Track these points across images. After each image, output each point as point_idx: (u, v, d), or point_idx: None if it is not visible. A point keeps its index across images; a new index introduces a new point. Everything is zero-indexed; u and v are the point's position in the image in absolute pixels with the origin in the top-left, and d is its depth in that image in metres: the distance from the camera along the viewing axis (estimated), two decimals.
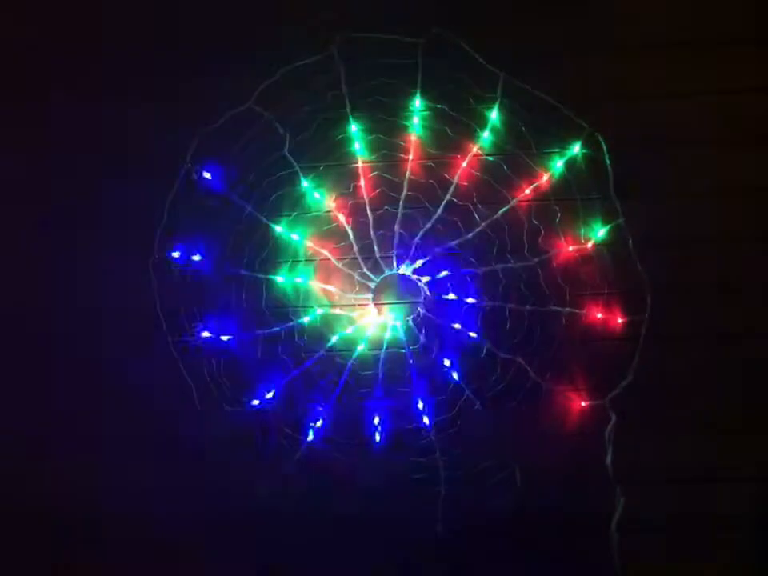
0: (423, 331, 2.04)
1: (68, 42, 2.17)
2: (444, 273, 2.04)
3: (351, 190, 2.06)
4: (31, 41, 2.18)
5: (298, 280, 2.05)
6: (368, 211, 2.05)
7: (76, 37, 2.17)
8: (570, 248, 2.01)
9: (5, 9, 2.18)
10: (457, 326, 2.02)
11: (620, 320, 1.98)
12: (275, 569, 2.02)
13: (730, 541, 1.96)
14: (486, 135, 2.04)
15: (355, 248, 2.05)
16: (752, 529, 1.95)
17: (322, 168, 2.07)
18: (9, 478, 2.10)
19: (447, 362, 2.01)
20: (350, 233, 2.05)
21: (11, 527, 2.08)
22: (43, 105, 2.16)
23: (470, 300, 2.02)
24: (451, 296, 2.03)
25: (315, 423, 2.02)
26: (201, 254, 2.06)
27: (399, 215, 2.05)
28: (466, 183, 2.04)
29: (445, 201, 2.04)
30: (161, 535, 2.04)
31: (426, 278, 2.05)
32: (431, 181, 2.04)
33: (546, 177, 2.02)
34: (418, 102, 2.05)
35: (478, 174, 2.04)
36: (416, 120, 2.05)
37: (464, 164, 2.04)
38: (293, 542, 2.01)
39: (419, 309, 2.05)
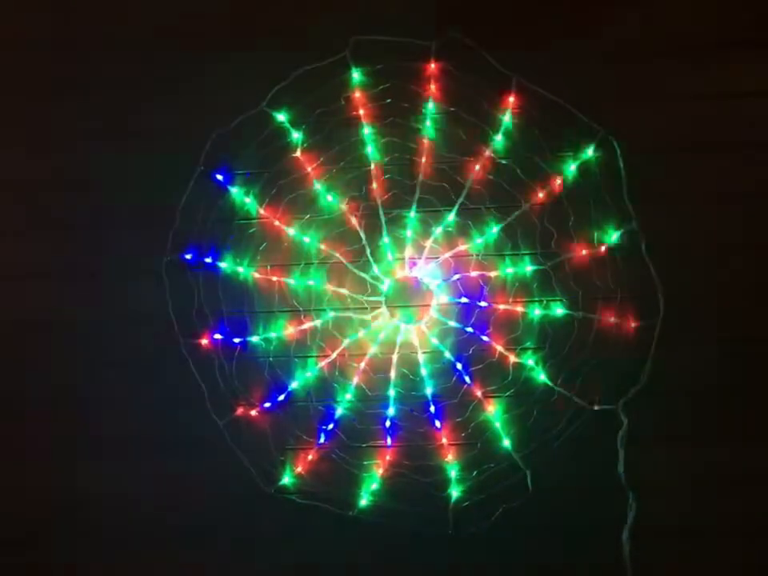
0: (435, 334, 2.04)
1: (74, 40, 2.17)
2: (456, 276, 2.03)
3: (364, 193, 2.06)
4: (35, 40, 2.19)
5: (311, 282, 2.05)
6: (380, 214, 2.05)
7: (83, 35, 2.17)
8: (583, 252, 2.00)
9: (5, 6, 2.18)
10: (468, 329, 2.02)
11: (633, 324, 1.98)
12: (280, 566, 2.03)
13: (741, 547, 1.95)
14: (498, 138, 2.03)
15: (368, 251, 2.05)
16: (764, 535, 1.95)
17: (334, 171, 2.07)
18: (11, 477, 2.11)
19: (459, 366, 2.01)
20: (363, 235, 2.05)
21: (10, 526, 2.10)
22: (49, 103, 2.16)
23: (482, 303, 2.02)
24: (463, 299, 2.03)
25: (326, 426, 2.02)
26: (213, 256, 2.07)
27: (412, 218, 2.05)
28: (478, 186, 2.04)
29: (457, 204, 2.04)
30: (165, 535, 2.05)
31: (438, 281, 2.05)
32: (444, 184, 2.04)
33: (559, 180, 2.02)
34: (430, 105, 2.05)
35: (491, 177, 2.03)
36: (429, 123, 2.05)
37: (477, 167, 2.03)
38: (301, 544, 2.02)
39: (431, 312, 2.04)
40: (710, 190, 2.02)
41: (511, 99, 2.03)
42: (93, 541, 2.07)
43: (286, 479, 2.02)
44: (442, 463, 2.00)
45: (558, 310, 2.00)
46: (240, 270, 2.06)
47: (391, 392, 2.02)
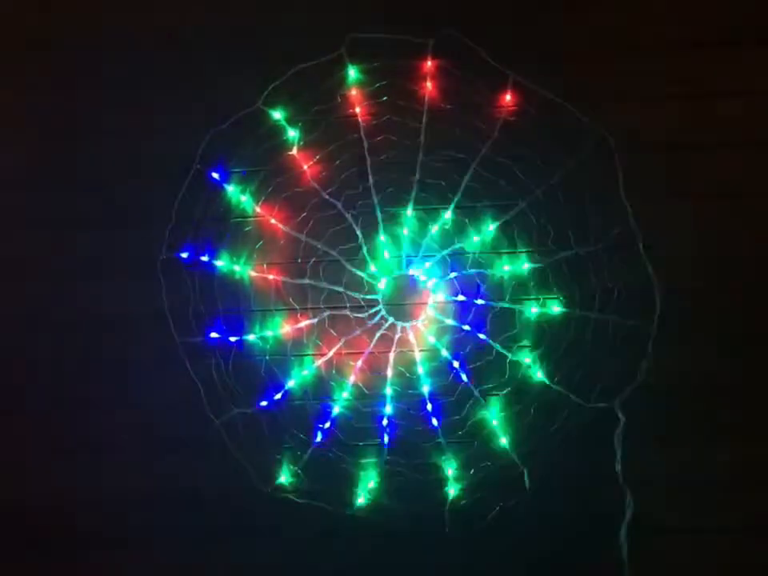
0: (432, 332, 2.03)
1: (73, 39, 2.16)
2: (453, 274, 2.03)
3: (360, 191, 2.05)
4: (35, 39, 2.18)
5: (307, 281, 2.05)
6: (377, 212, 2.05)
7: (81, 35, 2.17)
8: (580, 250, 2.00)
9: (5, 6, 2.18)
10: (466, 327, 2.02)
11: (630, 322, 1.97)
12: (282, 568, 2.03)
13: (740, 546, 1.95)
14: (495, 136, 2.03)
15: (364, 249, 2.05)
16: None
17: (331, 168, 2.06)
18: (10, 478, 2.10)
19: (456, 364, 2.01)
20: (359, 233, 2.05)
21: (10, 527, 2.09)
22: (47, 102, 2.16)
23: (479, 301, 2.02)
24: (460, 297, 2.03)
25: (323, 425, 2.02)
26: (209, 255, 2.06)
27: (408, 216, 2.05)
28: (475, 184, 2.03)
29: (454, 202, 2.03)
30: (163, 536, 2.05)
31: (434, 279, 2.04)
32: (441, 182, 2.03)
33: (556, 178, 2.01)
34: (426, 102, 2.04)
35: (488, 175, 2.03)
36: (425, 120, 2.04)
37: (473, 165, 2.03)
38: (299, 543, 2.01)
39: (428, 310, 2.04)
40: (707, 189, 2.02)
41: (508, 97, 2.03)
42: (92, 540, 2.07)
43: (283, 478, 2.02)
44: (439, 461, 1.99)
45: (555, 308, 1.99)
46: (236, 268, 2.06)
47: (388, 390, 2.02)
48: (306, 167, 2.06)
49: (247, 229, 2.07)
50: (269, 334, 2.04)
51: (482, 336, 2.01)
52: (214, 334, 2.04)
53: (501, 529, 1.95)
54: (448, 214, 2.04)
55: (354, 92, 2.06)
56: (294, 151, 2.06)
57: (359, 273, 2.05)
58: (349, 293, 2.05)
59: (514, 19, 2.08)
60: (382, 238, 2.05)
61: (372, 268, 2.05)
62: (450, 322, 2.03)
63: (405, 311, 2.05)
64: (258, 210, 2.06)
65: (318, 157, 2.06)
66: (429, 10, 2.09)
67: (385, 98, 2.05)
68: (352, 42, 2.05)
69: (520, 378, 1.99)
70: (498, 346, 2.00)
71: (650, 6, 2.07)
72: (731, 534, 1.95)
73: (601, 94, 2.04)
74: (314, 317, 2.05)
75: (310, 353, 2.05)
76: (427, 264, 2.05)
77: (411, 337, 2.04)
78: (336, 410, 2.02)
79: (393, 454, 2.01)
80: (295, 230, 2.06)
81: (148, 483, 2.06)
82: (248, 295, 2.06)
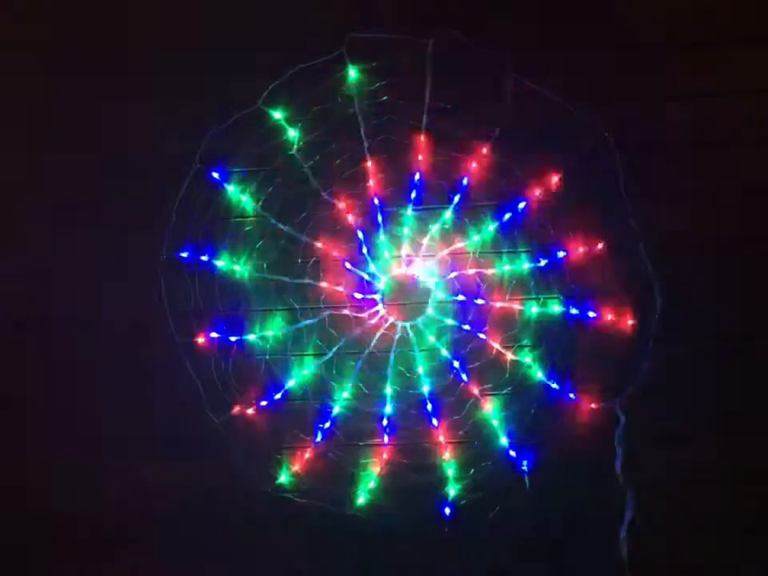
0: (432, 332, 2.03)
1: (72, 40, 2.16)
2: (453, 273, 2.03)
3: (360, 191, 2.05)
4: (34, 39, 2.18)
5: (307, 280, 2.05)
6: (377, 211, 2.04)
7: (80, 35, 2.16)
8: (580, 249, 2.00)
9: (5, 8, 2.18)
10: (465, 326, 2.01)
11: (630, 322, 1.97)
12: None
13: (740, 546, 1.95)
14: (496, 135, 2.03)
15: (364, 248, 2.05)
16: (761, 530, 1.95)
17: (331, 168, 2.06)
18: (11, 478, 2.10)
19: (456, 364, 2.01)
20: (359, 233, 2.04)
21: (10, 527, 2.09)
22: (45, 103, 2.16)
23: (479, 301, 2.02)
24: (460, 297, 2.03)
25: (323, 424, 2.02)
26: (209, 255, 2.06)
27: (408, 215, 2.05)
28: (475, 184, 2.03)
29: (454, 201, 2.03)
30: (163, 535, 2.05)
31: (434, 279, 2.04)
32: (441, 181, 2.03)
33: (556, 178, 2.01)
34: (426, 102, 2.04)
35: (488, 174, 2.03)
36: (425, 120, 2.04)
37: (474, 165, 2.03)
38: (299, 543, 2.01)
39: (428, 309, 2.04)
40: (708, 188, 2.02)
41: (508, 97, 2.03)
42: (92, 540, 2.07)
43: (284, 478, 2.02)
44: (439, 461, 1.99)
45: (555, 308, 1.99)
46: (236, 268, 2.06)
47: (388, 390, 2.02)
48: (305, 167, 2.06)
49: (247, 228, 2.07)
50: (269, 333, 2.04)
51: (482, 336, 2.01)
52: (214, 334, 2.04)
53: (501, 528, 1.95)
54: (448, 214, 2.04)
55: (353, 91, 2.06)
56: (294, 151, 2.06)
57: (359, 272, 2.05)
58: (349, 292, 2.05)
59: (514, 19, 2.08)
60: (381, 238, 2.05)
61: (372, 268, 2.05)
62: (450, 321, 2.03)
63: (405, 311, 2.05)
64: (258, 209, 2.06)
65: (317, 156, 2.06)
66: (429, 10, 2.09)
67: (385, 98, 2.05)
68: (352, 42, 2.04)
69: (520, 377, 2.00)
70: (497, 346, 2.00)
71: (650, 6, 2.06)
72: (731, 533, 1.95)
73: (601, 94, 2.04)
74: (314, 317, 2.04)
75: (310, 353, 2.05)
76: (427, 263, 2.04)
77: (411, 336, 2.04)
78: (336, 409, 2.03)
79: (393, 453, 2.01)
80: (295, 229, 2.06)
81: (148, 483, 2.06)
82: (248, 295, 2.06)
